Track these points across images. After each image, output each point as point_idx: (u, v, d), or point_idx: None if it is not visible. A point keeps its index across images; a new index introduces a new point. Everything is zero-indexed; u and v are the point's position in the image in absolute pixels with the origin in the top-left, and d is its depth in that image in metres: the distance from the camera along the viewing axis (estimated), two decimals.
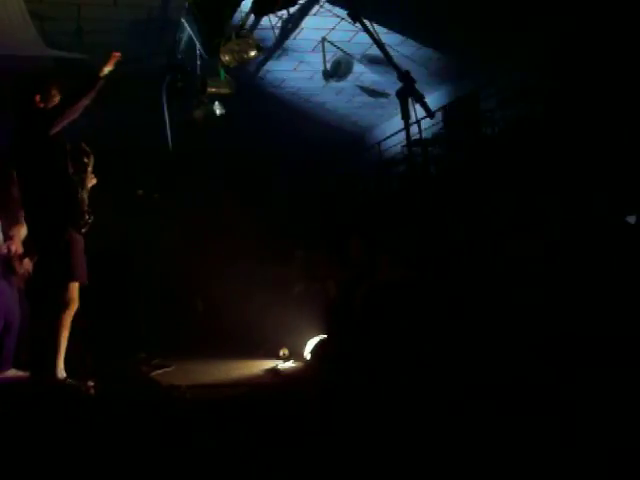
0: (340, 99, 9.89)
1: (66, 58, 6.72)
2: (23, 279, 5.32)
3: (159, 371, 5.17)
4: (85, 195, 4.54)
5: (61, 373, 4.31)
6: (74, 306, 4.34)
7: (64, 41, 6.93)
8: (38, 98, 4.42)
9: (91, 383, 4.34)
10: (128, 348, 6.01)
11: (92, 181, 4.74)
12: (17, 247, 5.04)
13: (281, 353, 5.45)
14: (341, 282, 5.71)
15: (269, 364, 5.20)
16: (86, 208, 4.45)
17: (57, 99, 4.47)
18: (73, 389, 4.23)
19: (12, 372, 5.15)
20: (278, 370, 4.93)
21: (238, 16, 5.79)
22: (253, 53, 5.36)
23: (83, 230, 4.37)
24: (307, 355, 5.22)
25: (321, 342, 5.15)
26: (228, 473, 2.39)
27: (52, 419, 3.69)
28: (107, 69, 4.47)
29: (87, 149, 4.90)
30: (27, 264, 5.19)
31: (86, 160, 4.72)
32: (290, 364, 5.18)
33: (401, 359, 4.24)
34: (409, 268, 5.08)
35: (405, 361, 4.18)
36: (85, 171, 4.68)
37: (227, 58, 5.53)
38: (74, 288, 4.30)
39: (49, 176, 4.34)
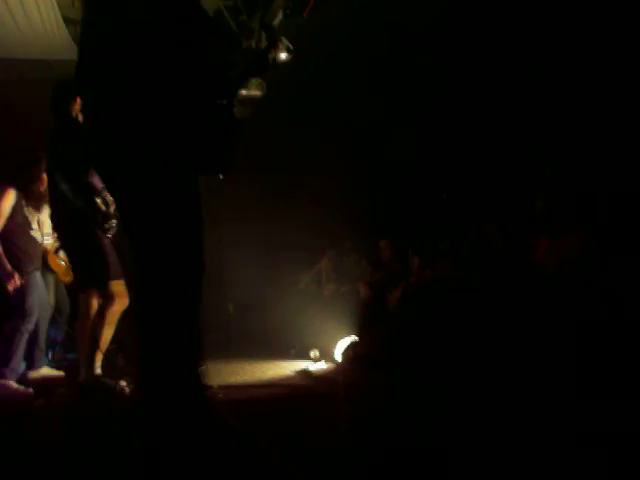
0: None
1: None
2: (63, 273, 5.51)
3: None
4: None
5: (97, 371, 4.43)
6: (120, 303, 4.47)
7: None
8: (78, 100, 4.55)
9: (124, 383, 4.46)
10: None
11: None
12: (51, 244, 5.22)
13: (312, 354, 5.52)
14: (373, 284, 5.76)
15: (300, 365, 5.26)
16: (112, 211, 4.52)
17: None
18: (107, 388, 4.35)
19: (46, 370, 5.30)
20: (309, 372, 4.99)
21: None
22: (284, 56, 5.43)
23: (109, 234, 4.46)
24: (338, 357, 5.27)
25: (352, 344, 5.20)
26: (260, 473, 2.43)
27: (88, 417, 3.81)
28: None
29: None
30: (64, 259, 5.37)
31: None
32: (321, 366, 5.23)
33: (438, 362, 4.28)
34: (441, 268, 5.12)
35: (442, 364, 4.22)
36: None
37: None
38: (113, 285, 4.42)
39: (76, 179, 4.45)
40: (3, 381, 4.78)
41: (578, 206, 4.33)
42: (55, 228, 4.82)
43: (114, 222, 4.46)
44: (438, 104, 6.19)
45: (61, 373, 5.33)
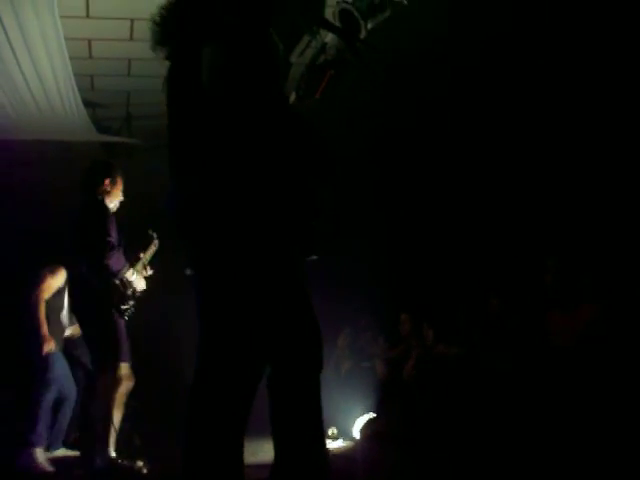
0: None
1: (114, 142, 7.18)
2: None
3: None
4: (133, 278, 4.77)
5: (112, 453, 4.45)
6: (125, 385, 4.53)
7: (114, 127, 7.38)
8: (107, 182, 4.80)
9: (140, 463, 4.48)
10: (174, 429, 6.11)
11: (146, 270, 4.99)
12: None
13: (329, 432, 5.51)
14: (390, 360, 5.80)
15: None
16: (130, 293, 4.65)
17: (120, 188, 4.83)
18: (124, 470, 4.37)
19: (61, 452, 5.33)
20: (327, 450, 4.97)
21: None
22: None
23: (126, 316, 4.58)
24: (356, 434, 5.27)
25: (370, 421, 5.21)
26: None
27: None
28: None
29: (152, 235, 5.19)
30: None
31: (149, 248, 5.04)
32: (339, 443, 5.23)
33: (451, 439, 4.29)
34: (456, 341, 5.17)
35: (455, 441, 4.23)
36: (139, 257, 4.96)
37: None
38: (122, 368, 4.50)
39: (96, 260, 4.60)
40: (31, 450, 4.88)
41: (589, 279, 4.40)
42: (73, 309, 4.96)
43: (132, 304, 4.59)
44: (453, 176, 6.33)
45: (76, 454, 5.37)
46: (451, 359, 4.99)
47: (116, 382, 4.49)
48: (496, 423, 4.25)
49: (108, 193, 4.80)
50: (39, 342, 5.25)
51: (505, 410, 4.30)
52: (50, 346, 5.26)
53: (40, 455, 4.95)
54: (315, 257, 2.50)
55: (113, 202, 4.85)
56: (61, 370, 5.34)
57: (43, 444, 5.04)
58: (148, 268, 5.03)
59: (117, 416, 4.53)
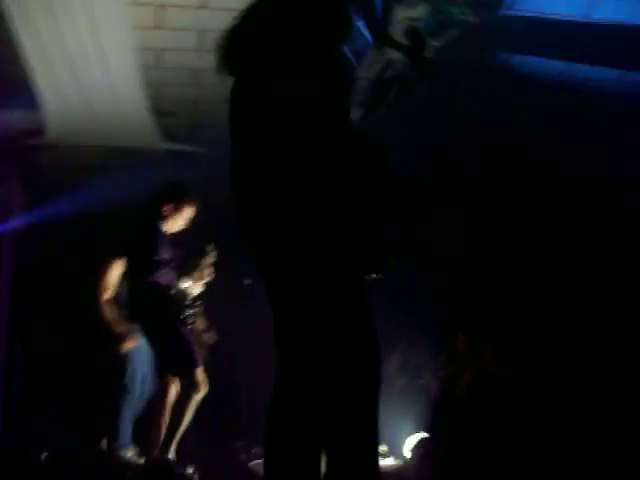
0: None
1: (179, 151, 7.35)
2: None
3: (258, 461, 5.30)
4: (187, 285, 4.88)
5: (172, 455, 4.56)
6: (201, 390, 4.64)
7: (181, 135, 7.54)
8: (168, 208, 4.92)
9: (191, 470, 4.56)
10: (227, 435, 6.23)
11: (204, 278, 5.10)
12: None
13: (380, 450, 5.46)
14: (445, 379, 5.73)
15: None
16: (188, 302, 4.76)
17: (184, 216, 4.94)
18: (178, 474, 4.45)
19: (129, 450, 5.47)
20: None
21: None
22: None
23: (189, 325, 4.68)
24: (407, 453, 5.22)
25: (422, 441, 5.15)
26: None
27: None
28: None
29: (211, 249, 5.30)
30: None
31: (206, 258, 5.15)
32: (389, 462, 5.19)
33: (504, 465, 4.22)
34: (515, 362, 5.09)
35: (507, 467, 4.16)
36: (196, 265, 5.07)
37: None
38: (198, 374, 4.61)
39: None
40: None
41: None
42: (133, 317, 5.02)
43: (191, 312, 4.70)
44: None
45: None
46: (509, 380, 4.90)
47: (192, 388, 4.61)
48: (554, 449, 4.16)
49: (166, 218, 4.91)
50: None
51: (564, 435, 4.21)
52: (128, 344, 5.29)
53: (125, 452, 5.13)
54: (377, 276, 2.51)
55: (172, 227, 4.97)
56: (140, 365, 5.40)
57: (127, 446, 5.18)
58: (205, 275, 5.14)
59: (187, 420, 4.66)
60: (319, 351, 2.32)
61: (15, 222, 6.82)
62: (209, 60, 6.35)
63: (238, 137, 2.55)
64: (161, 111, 7.11)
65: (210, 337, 6.51)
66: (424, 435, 5.19)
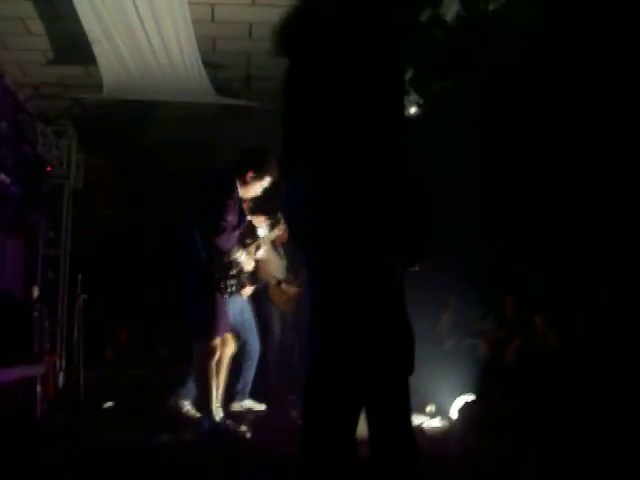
0: None
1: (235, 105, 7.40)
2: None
3: None
4: (242, 259, 4.98)
5: (216, 418, 4.75)
6: (215, 355, 4.79)
7: (234, 88, 7.59)
8: (250, 174, 4.93)
9: (244, 428, 4.75)
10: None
11: (260, 250, 5.22)
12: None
13: (428, 409, 5.56)
14: (494, 341, 5.75)
15: (415, 420, 5.26)
16: (235, 272, 4.89)
17: (263, 184, 4.99)
18: (229, 433, 4.65)
19: (248, 403, 5.79)
20: (423, 430, 5.05)
21: None
22: (412, 110, 5.53)
23: (227, 294, 4.81)
24: (454, 415, 5.30)
25: (469, 404, 5.21)
26: None
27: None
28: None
29: (279, 219, 5.39)
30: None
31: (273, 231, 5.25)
32: (436, 423, 5.28)
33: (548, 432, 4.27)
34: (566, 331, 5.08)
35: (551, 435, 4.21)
36: (254, 241, 5.19)
37: None
38: (215, 341, 4.77)
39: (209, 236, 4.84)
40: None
41: None
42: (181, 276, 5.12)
43: (234, 283, 4.82)
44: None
45: (262, 407, 5.83)
46: (558, 351, 4.91)
47: (209, 352, 4.75)
48: (596, 421, 4.19)
49: (246, 184, 4.96)
50: None
51: (608, 407, 4.23)
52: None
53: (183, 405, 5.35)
54: (417, 268, 2.60)
55: (249, 193, 5.02)
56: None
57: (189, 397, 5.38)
58: (263, 250, 5.26)
59: (210, 381, 4.77)
60: (356, 334, 2.42)
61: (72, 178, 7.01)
62: (261, 13, 6.41)
63: (290, 121, 2.62)
64: (214, 64, 7.18)
65: (290, 289, 6.72)
66: (471, 397, 5.26)
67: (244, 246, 5.08)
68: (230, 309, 5.08)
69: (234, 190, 4.89)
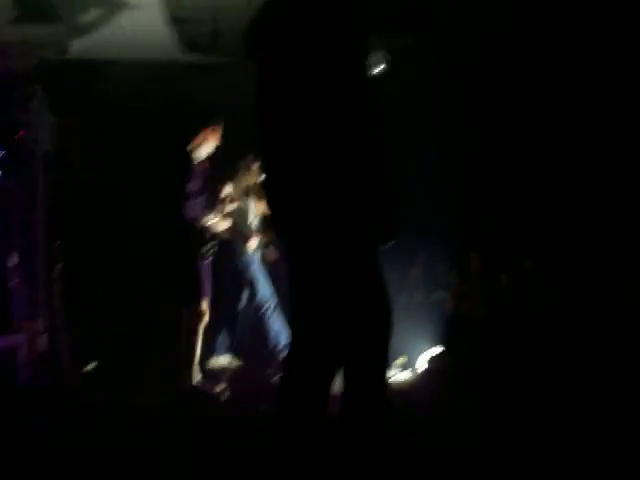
0: None
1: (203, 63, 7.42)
2: None
3: None
4: (212, 222, 5.18)
5: (196, 378, 5.02)
6: (204, 318, 5.07)
7: (202, 43, 7.59)
8: (202, 134, 5.17)
9: (221, 387, 5.06)
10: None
11: (231, 204, 5.37)
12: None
13: (399, 361, 5.83)
14: (459, 295, 6.01)
15: None
16: (209, 236, 5.07)
17: (218, 134, 5.17)
18: (207, 393, 4.94)
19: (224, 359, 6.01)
20: (393, 382, 5.32)
21: None
22: (381, 66, 5.66)
23: (208, 257, 5.01)
24: (421, 366, 5.59)
25: (436, 356, 5.50)
26: None
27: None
28: None
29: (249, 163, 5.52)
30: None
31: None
32: (406, 374, 5.57)
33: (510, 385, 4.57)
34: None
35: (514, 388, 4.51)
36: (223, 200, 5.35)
37: None
38: (203, 304, 4.99)
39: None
40: None
41: None
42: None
43: (210, 246, 5.02)
44: None
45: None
46: (521, 309, 5.19)
47: (199, 315, 4.99)
48: (558, 375, 4.49)
49: (205, 141, 5.14)
50: None
51: (569, 363, 4.52)
52: None
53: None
54: (393, 243, 2.73)
55: (206, 149, 5.18)
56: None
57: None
58: (234, 203, 5.41)
59: (197, 343, 5.08)
60: (336, 306, 2.63)
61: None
62: None
63: (266, 119, 2.77)
64: (180, 19, 7.17)
65: (270, 254, 6.85)
66: (438, 350, 5.55)
67: (213, 209, 5.25)
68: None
69: (189, 157, 5.05)
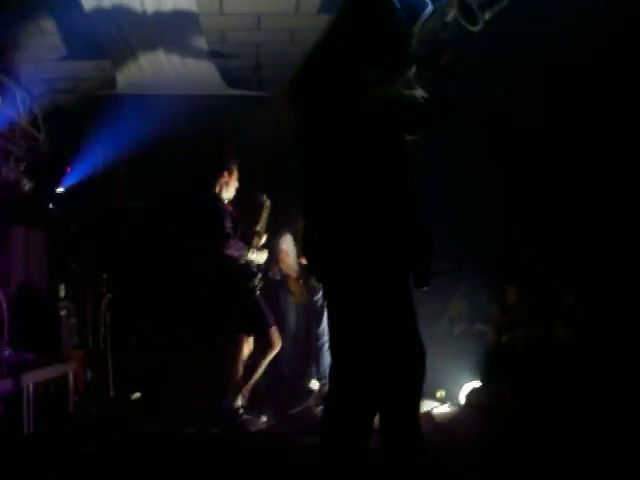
0: None
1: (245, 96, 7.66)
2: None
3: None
4: (254, 256, 5.38)
5: (237, 404, 5.21)
6: (275, 348, 5.30)
7: (245, 76, 7.84)
8: (225, 174, 5.38)
9: (264, 418, 5.22)
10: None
11: (261, 238, 5.57)
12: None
13: (438, 395, 5.90)
14: (499, 328, 6.08)
15: (425, 405, 5.55)
16: (254, 268, 5.28)
17: (236, 176, 5.34)
18: (246, 420, 5.11)
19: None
20: (432, 415, 5.43)
21: None
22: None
23: (257, 291, 5.21)
24: (462, 400, 5.66)
25: (477, 390, 5.57)
26: None
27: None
28: None
29: (263, 198, 5.72)
30: None
31: (262, 214, 5.57)
32: (446, 408, 5.64)
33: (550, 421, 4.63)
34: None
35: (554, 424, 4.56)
36: (255, 231, 5.53)
37: None
38: (272, 333, 5.27)
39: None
40: None
41: None
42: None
43: (259, 278, 5.22)
44: None
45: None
46: (562, 341, 5.25)
47: (266, 345, 5.27)
48: (599, 411, 4.53)
49: (227, 184, 5.34)
50: None
51: (609, 398, 4.57)
52: None
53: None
54: (426, 288, 2.87)
55: (230, 191, 5.40)
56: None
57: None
58: (264, 236, 5.60)
59: (259, 373, 5.38)
60: (371, 348, 2.78)
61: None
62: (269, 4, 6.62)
63: (307, 168, 2.96)
64: (223, 54, 7.40)
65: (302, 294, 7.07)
66: (478, 384, 5.61)
67: (249, 244, 5.45)
68: None
69: (220, 198, 5.33)
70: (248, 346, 5.42)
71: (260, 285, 5.34)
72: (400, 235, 2.77)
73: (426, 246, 2.83)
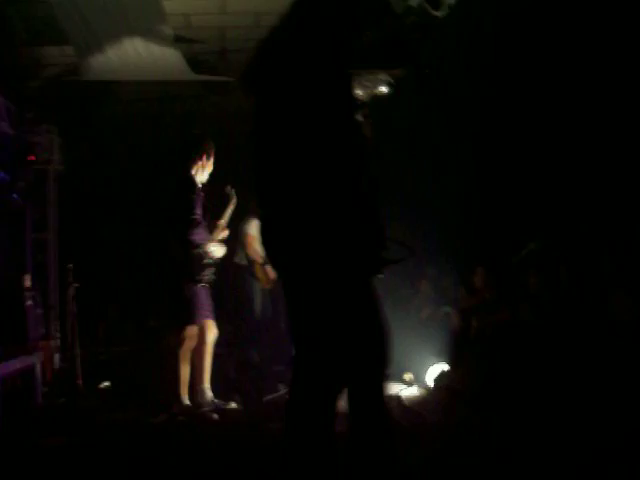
0: None
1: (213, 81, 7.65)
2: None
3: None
4: (213, 249, 5.36)
5: (186, 402, 5.21)
6: (190, 343, 5.24)
7: (210, 61, 7.82)
8: (204, 157, 5.32)
9: (234, 405, 5.26)
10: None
11: (222, 233, 5.58)
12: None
13: (406, 378, 6.00)
14: (464, 311, 6.17)
15: (393, 388, 5.56)
16: (206, 262, 5.27)
17: (212, 160, 5.34)
18: (199, 416, 5.10)
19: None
20: (401, 399, 5.51)
21: None
22: (384, 89, 5.86)
23: (205, 283, 5.25)
24: (429, 382, 5.75)
25: (444, 373, 5.66)
26: None
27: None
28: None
29: (231, 192, 5.73)
30: None
31: (228, 208, 5.59)
32: (413, 391, 5.73)
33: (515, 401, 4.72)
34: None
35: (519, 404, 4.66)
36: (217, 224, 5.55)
37: (360, 93, 6.07)
38: (191, 329, 5.22)
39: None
40: None
41: None
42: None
43: (210, 272, 5.23)
44: None
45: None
46: (527, 323, 5.35)
47: (186, 339, 5.22)
48: (565, 388, 4.62)
49: (202, 167, 5.33)
50: None
51: (573, 375, 4.68)
52: None
53: None
54: (382, 276, 2.91)
55: (204, 175, 5.38)
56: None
57: None
58: (226, 231, 5.62)
59: (184, 367, 5.25)
60: (332, 332, 2.81)
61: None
62: None
63: (262, 149, 2.95)
64: (189, 39, 7.38)
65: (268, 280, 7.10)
66: (446, 366, 5.70)
67: (211, 233, 5.48)
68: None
69: (195, 183, 5.28)
70: (211, 334, 5.34)
71: (208, 279, 5.31)
72: (355, 221, 2.78)
73: (378, 235, 2.85)
